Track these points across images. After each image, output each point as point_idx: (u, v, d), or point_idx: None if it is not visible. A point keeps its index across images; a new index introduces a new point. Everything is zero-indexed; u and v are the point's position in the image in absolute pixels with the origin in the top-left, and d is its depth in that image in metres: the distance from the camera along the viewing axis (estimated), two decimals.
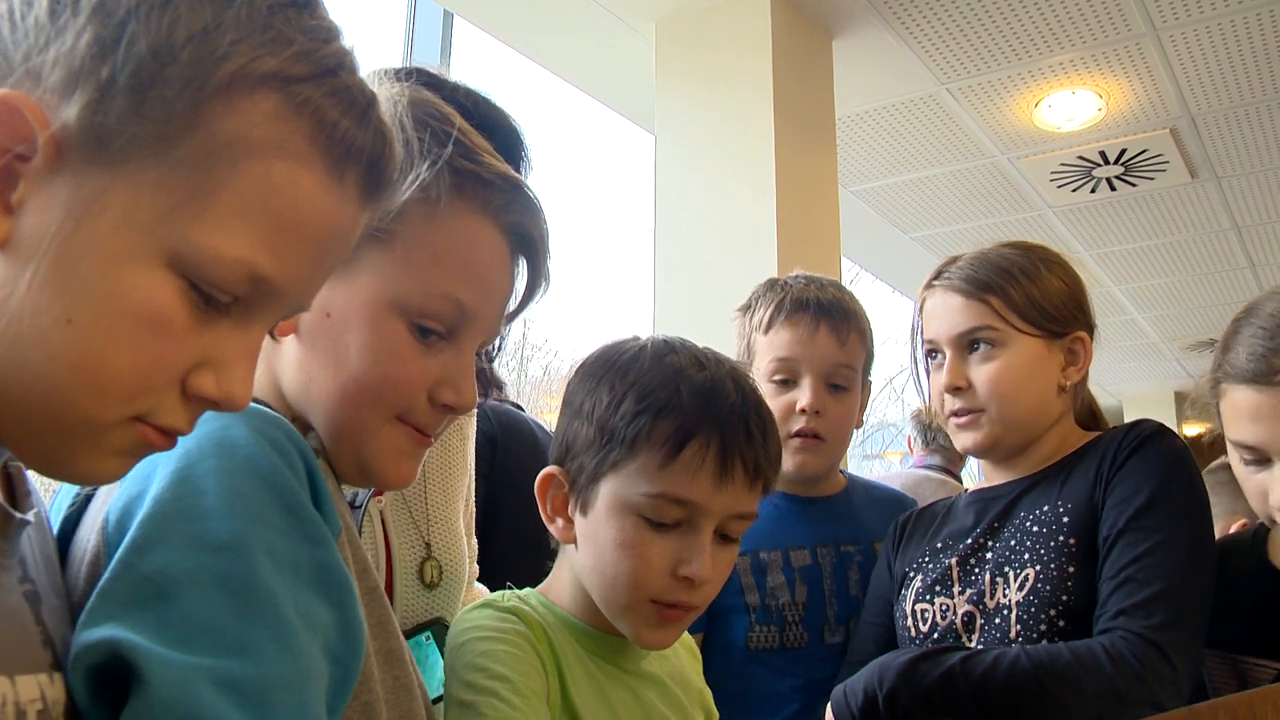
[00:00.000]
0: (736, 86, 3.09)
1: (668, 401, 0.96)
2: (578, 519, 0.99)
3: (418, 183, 0.74)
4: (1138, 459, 1.32)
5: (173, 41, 0.53)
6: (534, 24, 3.39)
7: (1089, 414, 1.51)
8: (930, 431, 3.56)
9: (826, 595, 1.52)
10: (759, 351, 1.59)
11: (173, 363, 0.57)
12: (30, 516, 0.59)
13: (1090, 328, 1.46)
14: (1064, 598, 1.28)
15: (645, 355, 1.00)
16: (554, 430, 1.06)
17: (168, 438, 0.59)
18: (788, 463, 1.48)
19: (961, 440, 1.45)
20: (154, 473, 0.64)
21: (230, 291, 0.57)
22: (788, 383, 1.55)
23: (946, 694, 1.22)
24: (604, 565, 0.96)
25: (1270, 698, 0.97)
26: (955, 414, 1.44)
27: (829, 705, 1.32)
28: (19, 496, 0.62)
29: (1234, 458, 1.27)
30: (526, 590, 1.04)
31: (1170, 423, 8.29)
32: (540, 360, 8.28)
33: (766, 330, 1.58)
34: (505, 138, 1.27)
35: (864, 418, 1.65)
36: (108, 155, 0.53)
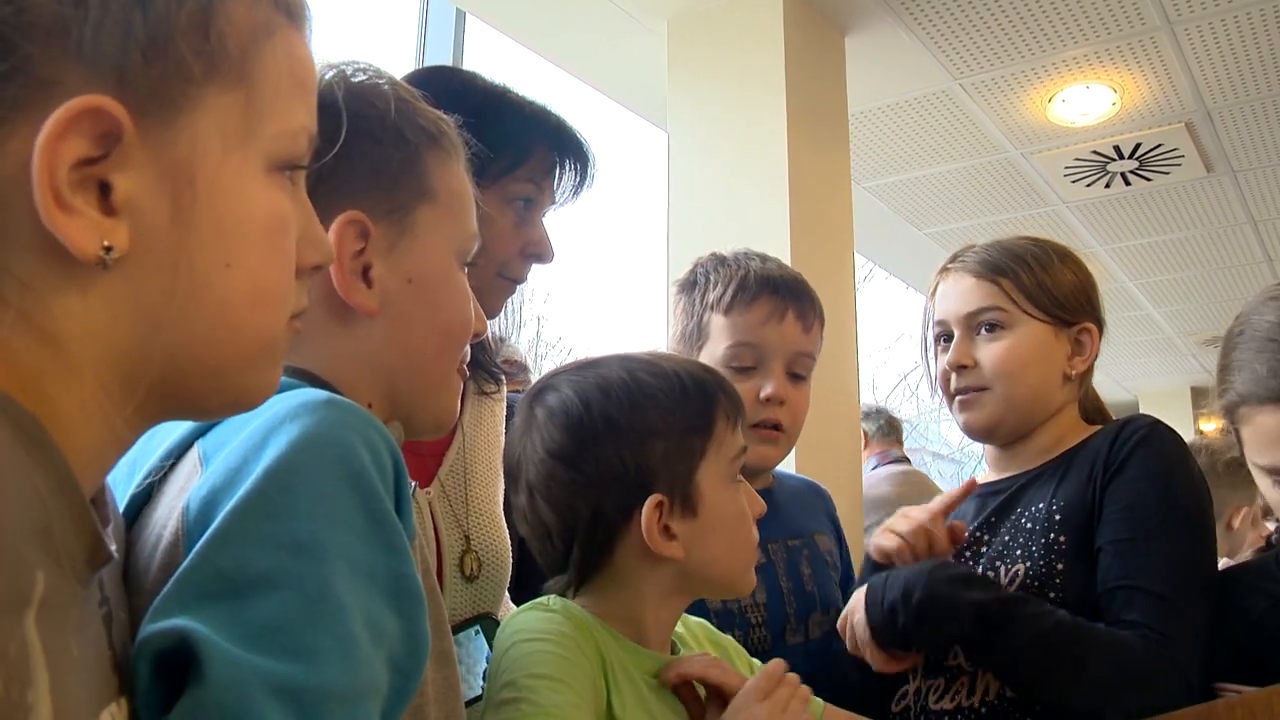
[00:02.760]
0: (749, 83, 3.09)
1: (708, 385, 1.05)
2: (682, 528, 1.01)
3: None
4: (1135, 460, 1.31)
5: None
6: (546, 22, 3.39)
7: (1094, 409, 1.51)
8: (888, 424, 3.51)
9: (785, 594, 1.44)
10: (715, 333, 1.48)
11: (294, 252, 0.62)
12: (111, 538, 0.58)
13: (1099, 322, 1.47)
14: (1050, 595, 1.28)
15: (643, 364, 1.05)
16: (605, 469, 1.02)
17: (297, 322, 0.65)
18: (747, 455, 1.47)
19: (963, 419, 1.46)
20: (243, 466, 0.63)
21: (304, 159, 0.63)
22: (748, 369, 1.45)
23: (983, 621, 1.24)
24: (735, 541, 1.05)
25: None
26: (959, 392, 1.45)
27: (861, 592, 1.35)
28: (98, 507, 0.61)
29: (1262, 481, 1.23)
30: (570, 601, 1.04)
31: (1186, 418, 8.28)
32: (554, 359, 8.30)
33: (727, 311, 1.47)
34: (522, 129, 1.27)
35: None
36: (179, 106, 0.54)
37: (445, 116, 0.92)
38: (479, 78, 1.28)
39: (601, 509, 1.01)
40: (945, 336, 1.49)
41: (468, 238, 0.91)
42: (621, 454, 1.00)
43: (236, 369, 0.59)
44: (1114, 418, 1.51)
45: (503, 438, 1.35)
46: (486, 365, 1.33)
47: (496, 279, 1.25)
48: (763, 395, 1.44)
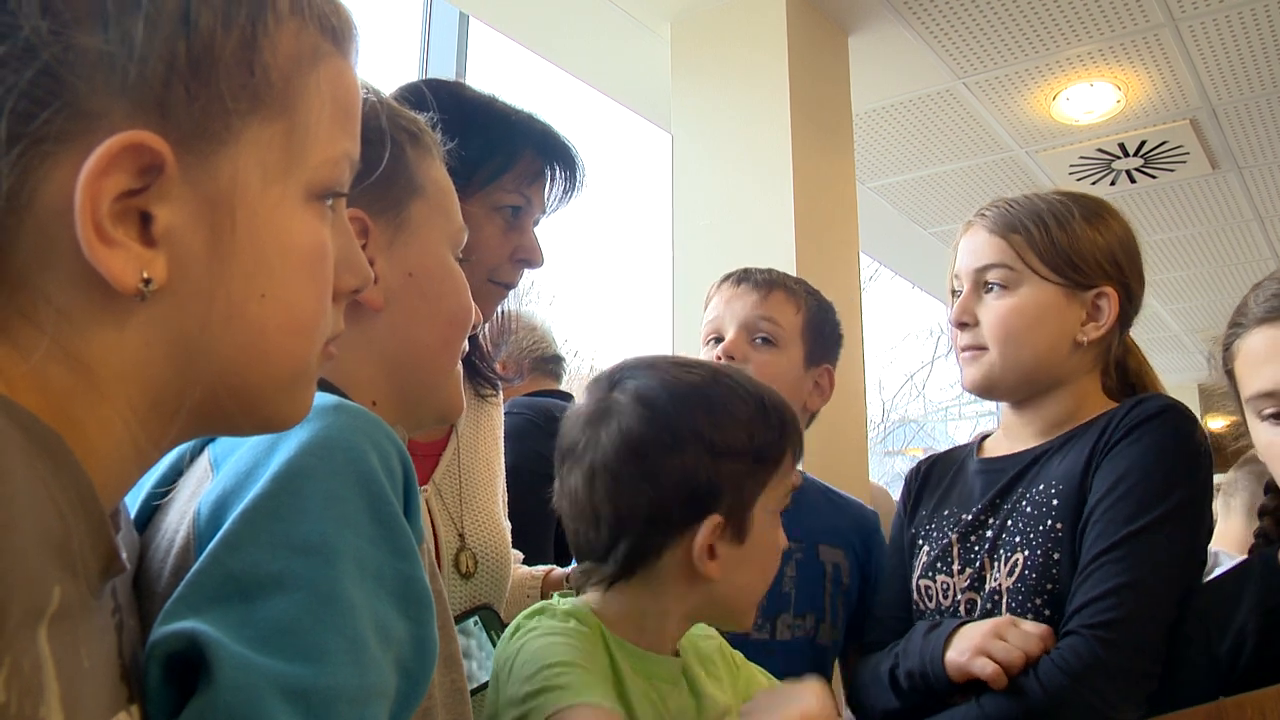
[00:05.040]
0: (752, 84, 3.09)
1: (785, 415, 1.05)
2: (726, 552, 1.00)
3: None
4: (1130, 441, 1.27)
5: (214, 7, 0.54)
6: (549, 25, 3.39)
7: (1128, 383, 1.45)
8: None
9: None
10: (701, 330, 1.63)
11: (331, 278, 0.62)
12: (125, 556, 0.58)
13: (1126, 286, 1.40)
14: (1049, 585, 1.26)
15: (731, 381, 1.04)
16: (679, 476, 0.99)
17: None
18: None
19: (964, 376, 1.43)
20: (253, 470, 0.64)
21: (345, 186, 0.63)
22: (718, 341, 1.57)
23: None
24: (765, 574, 1.05)
25: None
26: (963, 349, 1.42)
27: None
28: (111, 519, 0.62)
29: (1256, 426, 1.16)
30: (574, 601, 1.04)
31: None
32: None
33: (705, 306, 1.63)
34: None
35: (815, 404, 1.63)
36: (221, 139, 0.54)
37: (417, 116, 0.94)
38: (467, 88, 1.31)
39: (661, 514, 0.99)
40: (957, 291, 1.46)
41: (457, 229, 0.94)
42: (700, 465, 0.99)
43: (269, 395, 0.59)
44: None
45: (501, 441, 1.36)
46: (484, 371, 1.34)
47: (487, 284, 1.27)
48: (715, 354, 1.54)
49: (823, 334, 1.62)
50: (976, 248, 1.42)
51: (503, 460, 1.37)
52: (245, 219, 0.55)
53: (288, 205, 0.58)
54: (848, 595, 1.55)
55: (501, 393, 1.42)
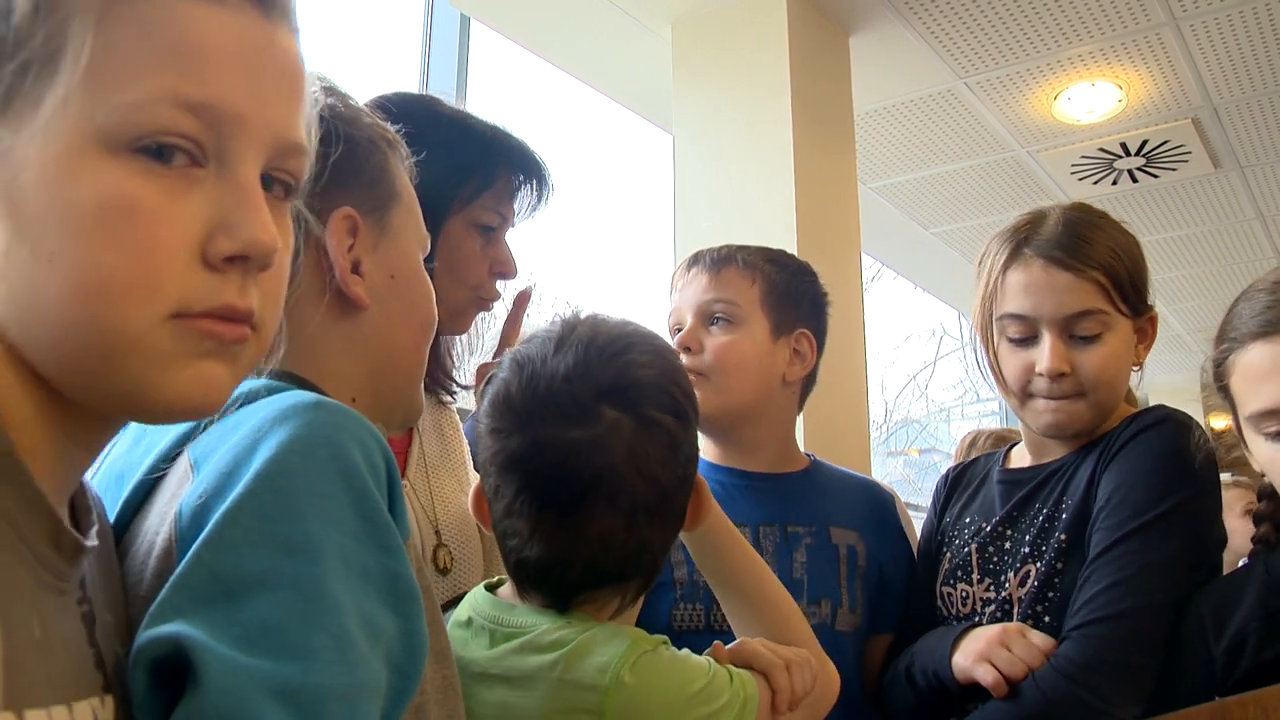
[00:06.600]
0: (754, 85, 3.09)
1: None
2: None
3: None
4: (1127, 451, 1.28)
5: None
6: (550, 26, 3.39)
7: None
8: None
9: None
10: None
11: (168, 242, 0.55)
12: (94, 538, 0.58)
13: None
14: (1050, 594, 1.27)
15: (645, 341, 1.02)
16: (688, 451, 0.99)
17: (232, 323, 0.58)
18: None
19: (1051, 421, 1.34)
20: (235, 470, 0.63)
21: (174, 130, 0.55)
22: (679, 332, 1.51)
23: None
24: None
25: None
26: (1049, 396, 1.33)
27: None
28: (80, 513, 0.62)
29: (1257, 443, 1.16)
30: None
31: (1196, 415, 8.23)
32: None
33: (669, 295, 1.58)
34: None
35: (804, 372, 1.54)
36: None
37: (388, 124, 0.96)
38: (442, 104, 1.31)
39: None
40: (1029, 334, 1.34)
41: (425, 236, 0.96)
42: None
43: (103, 370, 0.55)
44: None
45: (461, 429, 1.38)
46: (442, 380, 1.35)
47: (471, 300, 1.29)
48: (675, 343, 1.47)
49: (789, 299, 1.52)
50: (1060, 290, 1.31)
51: (468, 453, 1.37)
52: (30, 180, 0.54)
53: (70, 158, 0.53)
54: (866, 578, 1.47)
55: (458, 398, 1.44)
